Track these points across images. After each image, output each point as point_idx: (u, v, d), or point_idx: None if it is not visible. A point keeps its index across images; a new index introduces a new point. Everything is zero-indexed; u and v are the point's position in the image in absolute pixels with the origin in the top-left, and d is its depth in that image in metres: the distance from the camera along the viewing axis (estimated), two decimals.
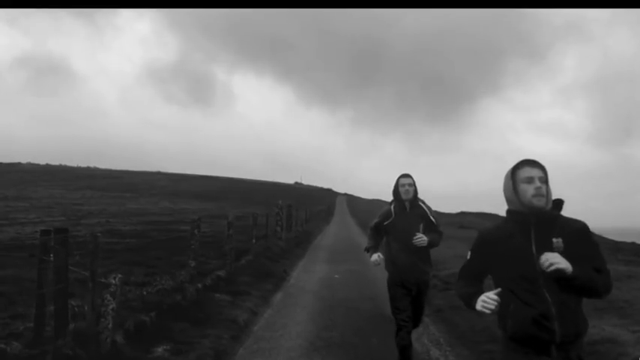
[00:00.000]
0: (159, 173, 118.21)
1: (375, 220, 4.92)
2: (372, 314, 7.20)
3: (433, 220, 4.72)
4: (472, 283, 2.53)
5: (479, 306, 2.36)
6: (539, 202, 2.32)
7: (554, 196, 2.41)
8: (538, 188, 2.32)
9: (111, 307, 4.67)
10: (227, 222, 10.41)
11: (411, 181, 4.71)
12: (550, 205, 2.37)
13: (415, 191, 4.72)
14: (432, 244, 4.63)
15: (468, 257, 2.58)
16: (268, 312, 7.30)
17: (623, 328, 5.53)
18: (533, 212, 2.34)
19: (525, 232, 2.36)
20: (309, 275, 11.16)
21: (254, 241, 12.90)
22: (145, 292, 6.69)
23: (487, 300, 2.33)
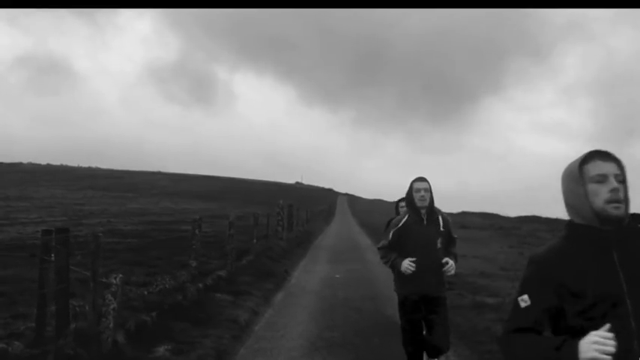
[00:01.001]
0: (160, 173, 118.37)
1: (387, 240, 4.15)
2: (373, 314, 7.19)
3: (455, 235, 4.21)
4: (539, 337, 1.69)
5: (594, 354, 1.51)
6: (617, 211, 1.67)
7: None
8: (615, 191, 1.67)
9: (112, 306, 4.67)
10: (228, 222, 10.41)
11: (427, 186, 4.03)
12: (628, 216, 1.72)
13: (432, 198, 4.05)
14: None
15: (525, 302, 1.72)
16: (269, 312, 7.29)
17: None
18: (613, 225, 1.68)
19: (604, 254, 1.68)
20: (310, 275, 11.16)
21: (255, 241, 12.90)
22: (146, 292, 6.69)
23: (602, 340, 1.52)
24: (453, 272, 3.98)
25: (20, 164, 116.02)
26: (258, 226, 13.50)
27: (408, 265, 3.93)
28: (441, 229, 4.09)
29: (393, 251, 4.12)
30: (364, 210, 69.75)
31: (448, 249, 4.14)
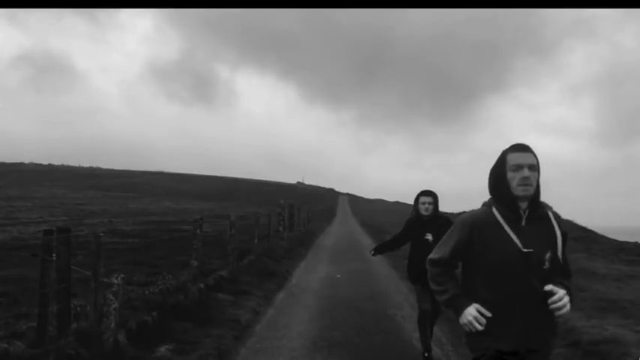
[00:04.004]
0: (161, 173, 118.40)
1: (445, 252, 2.48)
2: (374, 314, 7.19)
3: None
4: None
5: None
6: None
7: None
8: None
9: (113, 306, 4.67)
10: (229, 222, 10.42)
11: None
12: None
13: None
14: None
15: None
16: (270, 312, 7.30)
17: (626, 328, 5.52)
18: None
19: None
20: (312, 275, 11.16)
21: (256, 240, 12.91)
22: (147, 292, 6.70)
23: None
24: (567, 310, 2.21)
25: (22, 164, 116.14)
26: (260, 226, 13.50)
27: (476, 316, 2.28)
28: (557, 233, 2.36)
29: (450, 273, 2.49)
30: (365, 209, 69.74)
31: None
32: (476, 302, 2.32)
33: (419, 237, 4.93)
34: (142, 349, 4.87)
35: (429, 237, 4.81)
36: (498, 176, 2.38)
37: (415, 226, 5.03)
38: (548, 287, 2.20)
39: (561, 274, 2.33)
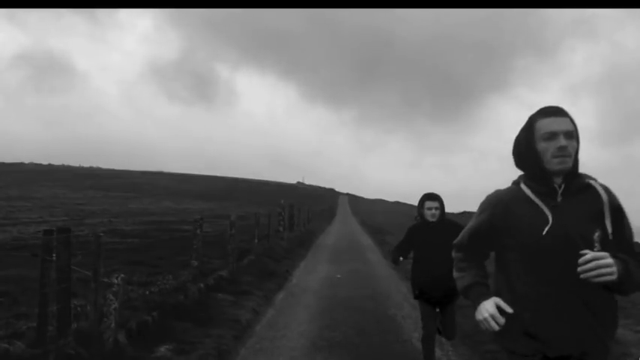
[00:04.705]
0: (161, 173, 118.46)
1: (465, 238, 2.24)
2: (374, 314, 7.19)
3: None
4: None
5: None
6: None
7: None
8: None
9: (113, 306, 4.67)
10: (229, 222, 10.42)
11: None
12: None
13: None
14: None
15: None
16: (270, 312, 7.30)
17: (626, 328, 5.52)
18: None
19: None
20: (312, 275, 11.15)
21: (256, 240, 12.91)
22: (147, 292, 6.70)
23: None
24: (609, 276, 1.76)
25: (22, 164, 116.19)
26: (260, 226, 13.50)
27: (493, 313, 1.89)
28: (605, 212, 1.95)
29: (473, 260, 2.15)
30: (365, 209, 69.76)
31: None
32: (514, 300, 1.90)
33: (424, 246, 4.45)
34: (142, 349, 4.87)
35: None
36: (526, 148, 1.95)
37: (420, 234, 4.53)
38: (584, 251, 1.77)
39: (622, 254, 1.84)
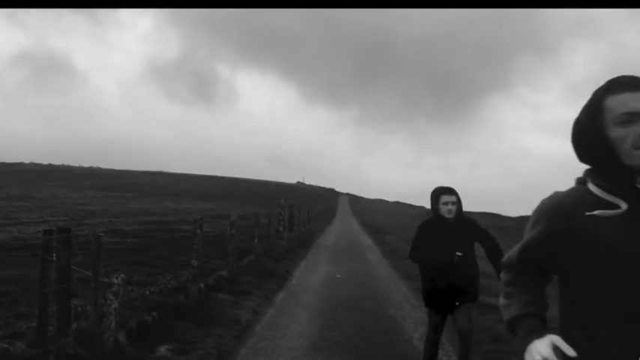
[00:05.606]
0: (161, 173, 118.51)
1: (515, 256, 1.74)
2: (374, 314, 7.19)
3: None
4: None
5: None
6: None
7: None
8: None
9: (113, 306, 4.67)
10: (229, 222, 10.42)
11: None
12: None
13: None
14: None
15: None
16: (271, 312, 7.29)
17: None
18: None
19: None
20: (312, 275, 11.16)
21: (256, 240, 12.91)
22: (147, 292, 6.70)
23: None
24: None
25: (22, 164, 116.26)
26: (260, 226, 13.50)
27: (549, 356, 1.38)
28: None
29: (524, 283, 1.66)
30: (365, 210, 69.77)
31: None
32: (584, 340, 1.36)
33: (438, 247, 3.91)
34: (142, 349, 4.87)
35: (458, 253, 3.87)
36: (593, 136, 1.37)
37: (434, 231, 4.01)
38: None
39: None
